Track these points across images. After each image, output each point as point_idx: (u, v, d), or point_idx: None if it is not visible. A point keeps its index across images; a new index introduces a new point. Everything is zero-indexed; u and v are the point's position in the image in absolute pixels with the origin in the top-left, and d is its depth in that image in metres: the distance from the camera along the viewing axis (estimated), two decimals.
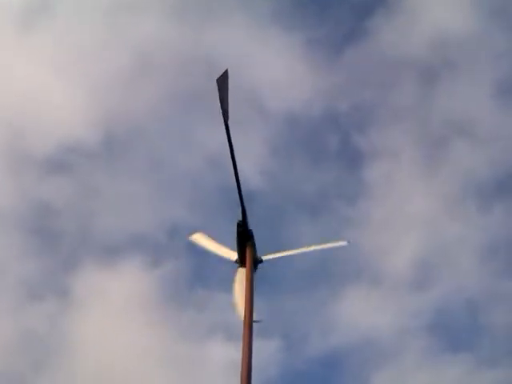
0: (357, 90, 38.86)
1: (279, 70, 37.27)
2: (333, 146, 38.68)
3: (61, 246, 35.72)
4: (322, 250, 13.46)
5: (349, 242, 13.16)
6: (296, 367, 30.29)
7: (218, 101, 11.00)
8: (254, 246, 12.37)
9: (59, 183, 36.77)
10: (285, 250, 13.25)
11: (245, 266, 12.17)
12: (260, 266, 12.57)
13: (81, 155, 36.66)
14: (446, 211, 35.04)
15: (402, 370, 29.68)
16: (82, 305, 32.33)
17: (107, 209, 36.45)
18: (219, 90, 10.90)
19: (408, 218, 34.68)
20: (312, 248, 13.39)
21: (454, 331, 32.40)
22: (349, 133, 38.73)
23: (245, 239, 12.24)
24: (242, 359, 10.50)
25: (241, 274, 12.35)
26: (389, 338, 30.94)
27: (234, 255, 12.67)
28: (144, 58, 36.52)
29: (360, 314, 31.12)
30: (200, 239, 14.04)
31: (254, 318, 11.50)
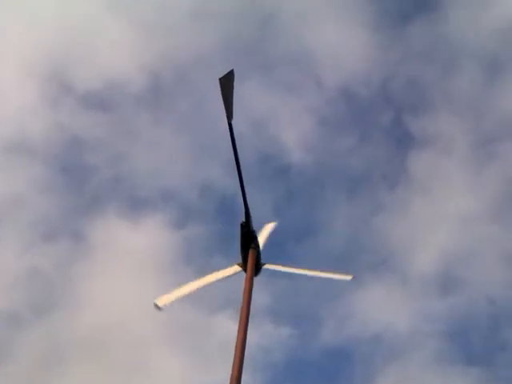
0: (416, 68, 36.98)
1: (339, 36, 35.73)
2: (383, 123, 37.08)
3: (87, 187, 34.55)
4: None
5: (353, 277, 12.78)
6: (303, 356, 29.79)
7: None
8: (257, 247, 12.21)
9: (97, 121, 35.33)
10: (288, 266, 12.84)
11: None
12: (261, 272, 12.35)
13: (124, 96, 35.45)
14: (485, 212, 33.82)
15: (409, 369, 28.79)
16: (96, 253, 31.38)
17: (142, 157, 35.10)
18: (222, 89, 10.72)
19: (445, 214, 33.56)
20: (316, 273, 12.87)
21: (472, 343, 31.16)
22: (401, 112, 37.07)
23: (248, 241, 12.09)
24: (234, 356, 10.39)
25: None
26: (403, 337, 30.16)
27: (233, 269, 12.31)
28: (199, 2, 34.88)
29: (378, 307, 30.37)
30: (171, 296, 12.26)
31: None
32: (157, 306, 11.79)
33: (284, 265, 12.86)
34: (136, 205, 34.05)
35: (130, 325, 27.52)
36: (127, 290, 28.72)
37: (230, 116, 10.94)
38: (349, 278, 12.70)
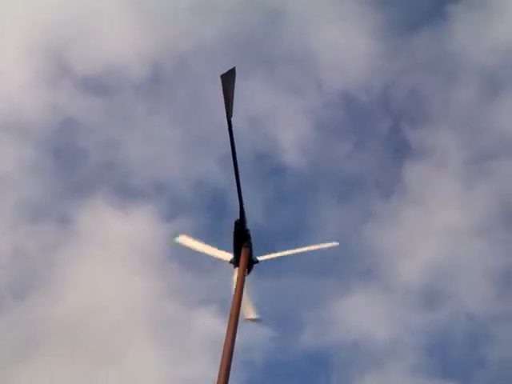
0: (418, 79, 37.18)
1: (344, 40, 35.89)
2: (381, 131, 37.15)
3: (78, 172, 34.47)
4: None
5: (339, 242, 13.30)
6: (282, 358, 29.69)
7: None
8: (250, 246, 12.22)
9: (93, 105, 35.16)
10: (279, 251, 13.14)
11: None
12: (255, 266, 12.43)
13: (123, 82, 35.44)
14: (473, 228, 33.70)
15: (386, 379, 28.71)
16: (81, 239, 31.18)
17: (137, 146, 35.00)
18: (223, 86, 10.67)
19: (435, 227, 33.39)
20: (305, 249, 13.43)
21: (450, 357, 31.03)
22: (400, 121, 37.09)
23: (241, 239, 12.09)
24: (223, 356, 10.41)
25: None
26: (381, 346, 29.99)
27: (227, 256, 12.47)
28: None
29: (360, 315, 30.26)
30: (187, 241, 13.77)
31: (249, 316, 11.58)
32: (175, 241, 13.43)
33: (274, 252, 13.11)
34: (127, 194, 33.69)
35: (110, 313, 27.34)
36: (111, 278, 28.47)
37: (229, 114, 10.89)
38: (336, 244, 13.14)
